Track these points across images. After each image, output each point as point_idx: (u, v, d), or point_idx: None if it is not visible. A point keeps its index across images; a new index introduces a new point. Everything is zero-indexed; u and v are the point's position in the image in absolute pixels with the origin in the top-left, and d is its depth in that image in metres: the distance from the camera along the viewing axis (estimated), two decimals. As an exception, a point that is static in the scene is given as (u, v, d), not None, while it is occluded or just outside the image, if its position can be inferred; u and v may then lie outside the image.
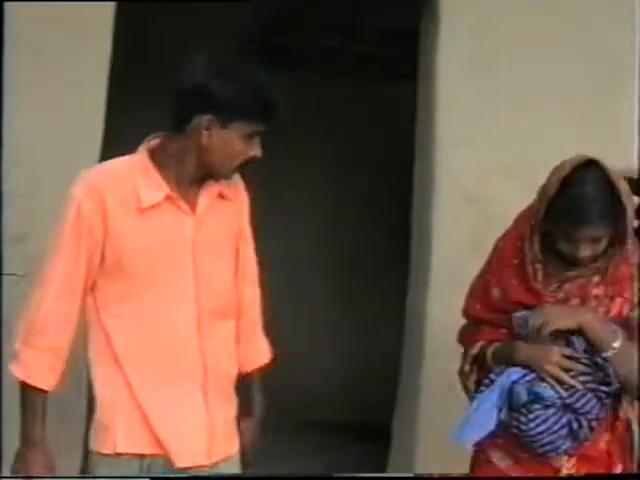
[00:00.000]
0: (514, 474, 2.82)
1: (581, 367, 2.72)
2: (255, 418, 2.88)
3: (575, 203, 2.71)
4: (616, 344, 2.69)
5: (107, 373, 2.62)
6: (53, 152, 3.85)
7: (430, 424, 4.21)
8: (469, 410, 2.85)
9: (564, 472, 2.77)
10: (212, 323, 2.65)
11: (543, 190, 2.80)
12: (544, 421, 2.72)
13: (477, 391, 2.92)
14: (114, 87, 4.01)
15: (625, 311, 2.75)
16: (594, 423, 2.70)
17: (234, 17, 5.98)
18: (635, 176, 2.87)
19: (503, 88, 4.36)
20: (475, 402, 2.85)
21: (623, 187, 2.72)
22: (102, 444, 2.62)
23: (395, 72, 6.32)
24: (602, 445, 2.77)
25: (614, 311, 2.76)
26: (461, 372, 2.99)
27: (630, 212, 2.73)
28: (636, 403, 2.85)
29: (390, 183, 6.45)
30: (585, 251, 2.72)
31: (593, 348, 2.72)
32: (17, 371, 2.59)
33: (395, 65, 6.18)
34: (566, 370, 2.71)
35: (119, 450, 2.59)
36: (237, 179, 2.77)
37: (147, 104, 6.48)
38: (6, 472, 3.31)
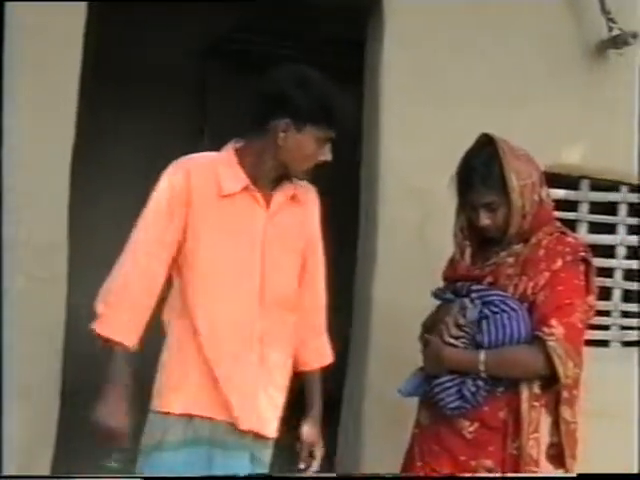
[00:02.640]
0: (430, 432, 3.11)
1: (462, 333, 3.00)
2: (310, 417, 3.02)
3: (465, 171, 3.04)
4: (481, 367, 2.94)
5: (179, 343, 2.82)
6: (26, 153, 3.87)
7: (375, 391, 4.41)
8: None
9: (465, 434, 3.03)
10: (272, 309, 2.84)
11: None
12: (438, 377, 3.02)
13: None
14: (85, 90, 4.11)
15: (529, 290, 2.98)
16: (480, 383, 2.95)
17: (191, 25, 6.18)
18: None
19: (443, 89, 4.56)
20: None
21: (513, 164, 2.98)
22: (153, 402, 2.83)
23: (341, 77, 6.36)
24: (501, 416, 3.00)
25: (520, 289, 2.99)
26: (420, 338, 3.27)
27: (514, 184, 2.96)
28: (575, 407, 3.07)
29: (339, 178, 6.58)
30: (484, 219, 3.01)
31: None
32: (99, 328, 2.73)
33: (341, 70, 6.19)
34: (455, 334, 3.00)
35: (164, 409, 2.79)
36: (309, 186, 2.98)
37: (118, 105, 6.69)
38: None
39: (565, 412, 3.05)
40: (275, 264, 2.85)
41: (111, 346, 2.74)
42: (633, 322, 5.00)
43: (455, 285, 3.13)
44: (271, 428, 2.92)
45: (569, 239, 3.08)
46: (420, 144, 4.50)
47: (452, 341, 3.01)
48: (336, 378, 4.85)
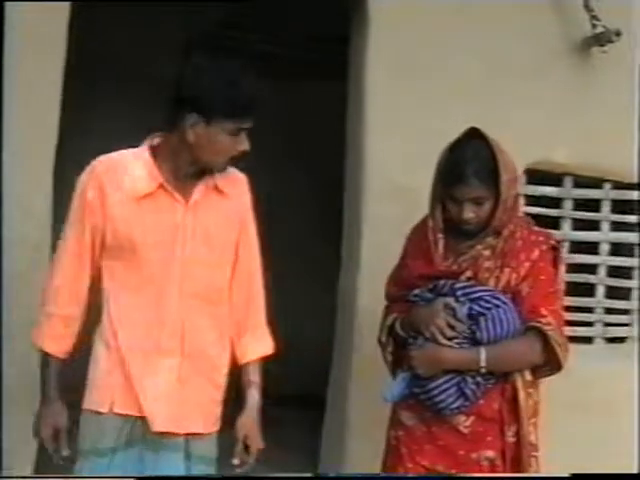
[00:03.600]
0: (419, 432, 3.09)
1: (455, 333, 2.98)
2: (245, 410, 2.92)
3: (454, 163, 3.01)
4: (482, 363, 2.95)
5: (105, 341, 2.80)
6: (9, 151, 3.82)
7: (360, 392, 4.38)
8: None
9: (461, 429, 3.03)
10: (196, 305, 2.80)
11: (438, 160, 3.10)
12: (435, 379, 2.99)
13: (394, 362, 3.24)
14: (69, 87, 4.05)
15: (513, 281, 3.01)
16: (480, 379, 2.96)
17: (176, 21, 6.14)
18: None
19: (429, 86, 4.55)
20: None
21: (502, 158, 2.99)
22: (88, 403, 2.80)
23: (325, 73, 6.32)
24: (495, 406, 3.02)
25: (503, 281, 3.02)
26: (379, 342, 3.28)
27: (504, 179, 2.97)
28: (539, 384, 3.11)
29: (323, 174, 6.53)
30: (468, 212, 3.00)
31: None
32: (34, 336, 2.82)
33: (325, 67, 6.20)
34: (450, 335, 2.98)
35: (115, 410, 2.75)
36: (239, 176, 2.92)
37: (101, 103, 6.65)
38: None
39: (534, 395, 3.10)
40: (197, 258, 2.80)
41: (44, 353, 2.82)
42: (617, 319, 5.00)
43: (437, 283, 3.10)
44: (205, 423, 2.87)
45: (536, 228, 3.16)
46: (405, 141, 4.49)
47: (447, 343, 2.99)
48: (320, 380, 4.89)
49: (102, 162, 2.81)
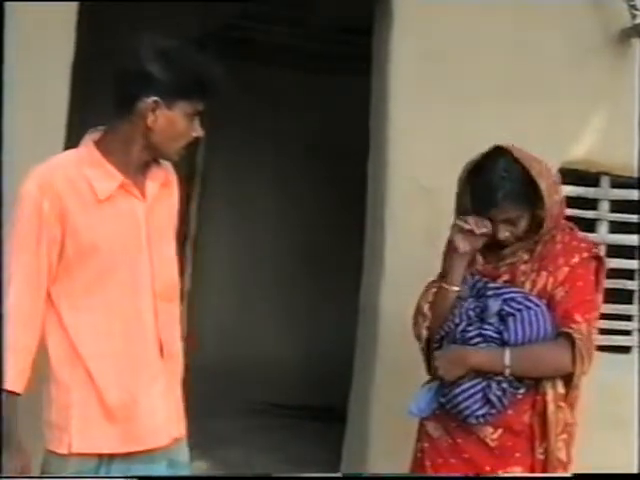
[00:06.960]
0: (444, 444, 3.00)
1: (489, 333, 2.89)
2: None
3: (482, 189, 2.94)
4: (507, 362, 2.84)
5: (67, 371, 2.59)
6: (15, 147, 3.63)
7: (383, 404, 4.29)
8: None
9: (488, 442, 2.92)
10: (163, 304, 2.68)
11: (459, 178, 3.02)
12: (460, 385, 2.90)
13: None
14: (76, 84, 4.02)
15: (549, 285, 2.93)
16: (505, 385, 2.86)
17: (191, 11, 6.02)
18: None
19: (454, 82, 4.44)
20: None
21: (535, 167, 2.90)
22: (58, 445, 2.58)
23: (346, 68, 6.37)
24: (525, 419, 2.92)
25: (539, 285, 2.94)
26: (421, 313, 3.11)
27: (544, 187, 2.89)
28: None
29: (342, 175, 6.56)
30: (503, 232, 2.94)
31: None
32: None
33: (346, 61, 6.25)
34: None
35: (74, 450, 2.56)
36: (168, 166, 2.79)
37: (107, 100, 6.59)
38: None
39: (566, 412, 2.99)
40: (160, 257, 2.69)
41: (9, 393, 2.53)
42: (656, 327, 4.88)
43: (473, 280, 3.03)
44: (183, 427, 2.78)
45: (580, 235, 3.10)
46: (431, 140, 4.40)
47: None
48: (341, 392, 4.85)
49: (48, 168, 2.62)
